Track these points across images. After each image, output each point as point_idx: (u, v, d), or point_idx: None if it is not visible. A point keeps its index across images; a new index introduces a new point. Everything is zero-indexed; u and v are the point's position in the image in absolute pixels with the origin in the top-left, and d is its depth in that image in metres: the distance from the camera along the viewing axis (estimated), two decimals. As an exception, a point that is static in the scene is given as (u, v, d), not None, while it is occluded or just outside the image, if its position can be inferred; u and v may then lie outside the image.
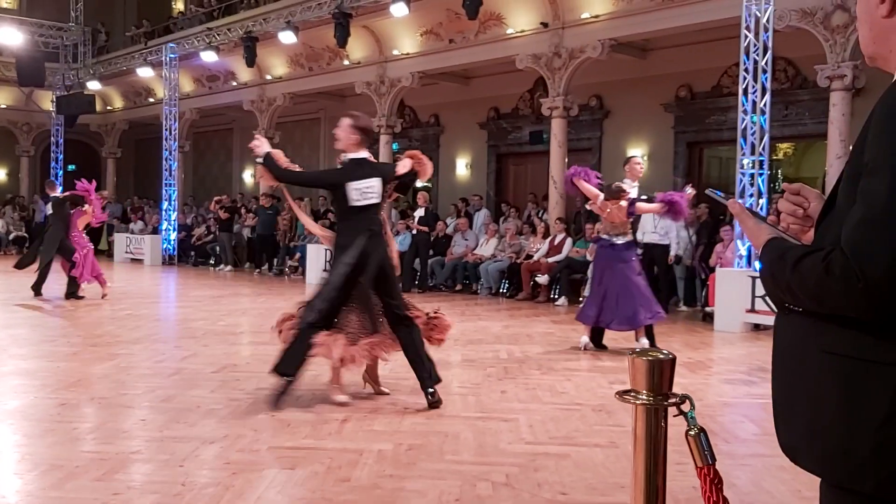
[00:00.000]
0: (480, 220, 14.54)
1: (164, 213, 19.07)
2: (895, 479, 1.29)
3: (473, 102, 16.69)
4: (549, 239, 12.50)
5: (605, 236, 7.47)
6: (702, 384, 6.16)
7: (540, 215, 14.00)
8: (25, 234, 21.23)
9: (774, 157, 13.27)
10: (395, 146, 16.68)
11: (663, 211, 7.46)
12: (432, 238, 13.74)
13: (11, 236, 21.48)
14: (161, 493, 3.48)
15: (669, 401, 1.70)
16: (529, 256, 12.57)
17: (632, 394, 1.71)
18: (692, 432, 1.68)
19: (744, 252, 9.59)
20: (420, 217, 13.58)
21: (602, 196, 7.37)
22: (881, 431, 1.29)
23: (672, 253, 10.97)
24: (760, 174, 9.63)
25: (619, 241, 7.36)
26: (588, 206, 7.71)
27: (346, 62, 16.37)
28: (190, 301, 11.84)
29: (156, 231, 19.44)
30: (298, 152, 21.01)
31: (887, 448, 1.29)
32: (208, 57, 17.34)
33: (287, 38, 15.15)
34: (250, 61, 16.35)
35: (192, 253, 18.72)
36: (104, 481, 3.60)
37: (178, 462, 3.91)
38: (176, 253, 18.78)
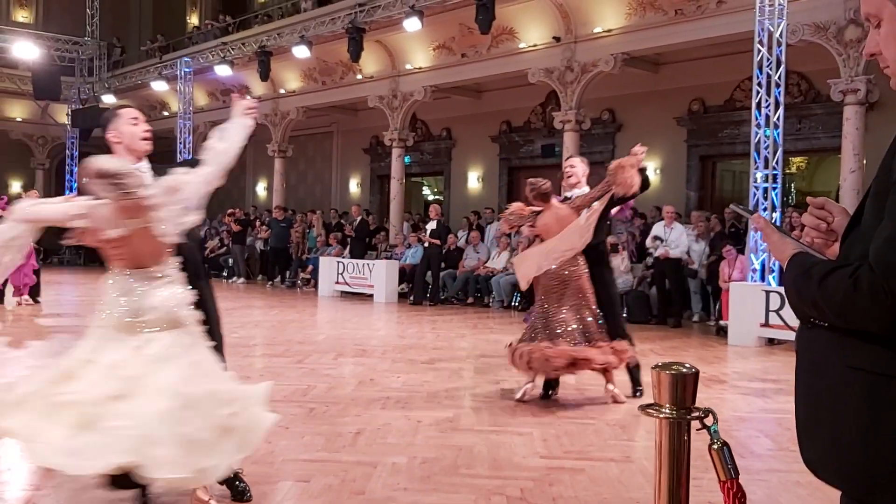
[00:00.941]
0: (492, 232, 14.54)
1: (177, 225, 19.13)
2: None
3: (485, 116, 16.74)
4: (562, 252, 12.47)
5: None
6: (716, 399, 6.12)
7: (552, 229, 13.97)
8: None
9: (787, 171, 13.23)
10: (407, 159, 16.75)
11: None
12: (444, 251, 13.75)
13: (25, 248, 21.62)
14: (176, 504, 3.48)
15: (693, 415, 1.70)
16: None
17: (655, 407, 1.71)
18: (715, 446, 1.68)
19: (757, 266, 9.55)
20: (432, 230, 13.59)
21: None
22: (903, 447, 1.29)
23: (678, 255, 10.94)
24: (774, 188, 9.60)
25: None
26: None
27: (359, 76, 16.47)
28: (203, 313, 11.84)
29: (169, 243, 19.50)
30: (311, 165, 21.14)
31: (908, 463, 1.28)
32: (222, 71, 17.50)
33: (301, 52, 15.28)
34: (264, 75, 16.49)
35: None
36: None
37: (194, 474, 3.90)
38: (189, 265, 18.84)
